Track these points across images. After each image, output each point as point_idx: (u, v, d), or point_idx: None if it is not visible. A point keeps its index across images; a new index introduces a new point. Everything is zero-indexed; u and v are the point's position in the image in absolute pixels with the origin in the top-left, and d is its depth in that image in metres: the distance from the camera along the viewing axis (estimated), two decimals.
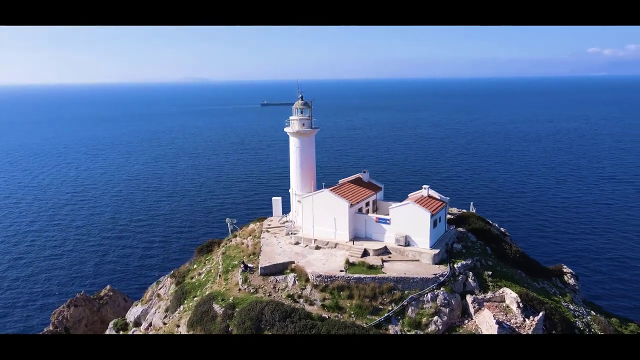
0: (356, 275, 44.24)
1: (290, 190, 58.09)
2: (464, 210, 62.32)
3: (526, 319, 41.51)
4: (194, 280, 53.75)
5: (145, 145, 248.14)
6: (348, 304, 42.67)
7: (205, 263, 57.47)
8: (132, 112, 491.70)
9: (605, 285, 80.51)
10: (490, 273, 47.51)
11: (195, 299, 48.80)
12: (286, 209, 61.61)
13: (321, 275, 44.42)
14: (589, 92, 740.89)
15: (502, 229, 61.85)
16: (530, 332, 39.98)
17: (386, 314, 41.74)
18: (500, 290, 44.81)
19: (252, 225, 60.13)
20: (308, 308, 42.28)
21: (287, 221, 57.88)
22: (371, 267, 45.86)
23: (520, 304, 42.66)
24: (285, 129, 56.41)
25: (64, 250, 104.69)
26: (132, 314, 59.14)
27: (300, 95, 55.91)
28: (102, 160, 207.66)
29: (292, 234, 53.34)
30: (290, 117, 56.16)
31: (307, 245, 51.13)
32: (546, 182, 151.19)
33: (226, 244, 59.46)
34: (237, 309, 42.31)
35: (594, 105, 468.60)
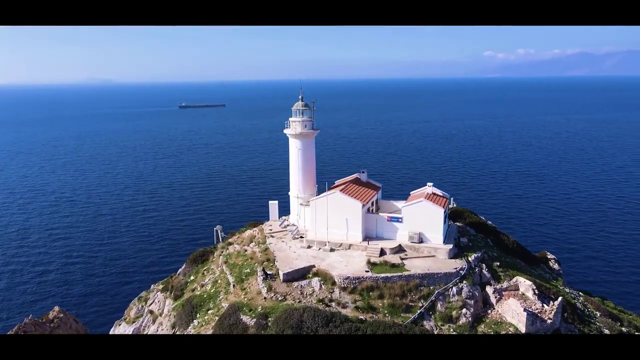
0: (383, 275, 44.49)
1: (290, 193, 56.92)
2: (454, 205, 64.98)
3: (544, 305, 44.33)
4: (198, 292, 50.78)
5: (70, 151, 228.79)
6: (380, 304, 42.81)
7: (204, 274, 54.54)
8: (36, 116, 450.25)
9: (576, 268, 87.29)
10: (498, 264, 50.11)
11: (209, 312, 46.17)
12: (283, 212, 60.31)
13: (349, 277, 44.11)
14: (488, 92, 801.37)
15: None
16: (551, 316, 42.73)
17: (419, 311, 42.46)
18: (514, 279, 47.39)
19: (249, 231, 58.11)
20: (342, 311, 41.81)
21: (288, 225, 56.65)
22: (394, 266, 46.37)
23: (536, 291, 45.47)
24: (285, 131, 55.19)
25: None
26: None
27: (300, 97, 54.99)
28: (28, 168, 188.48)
29: (300, 237, 52.34)
30: (290, 119, 55.06)
31: (320, 248, 50.44)
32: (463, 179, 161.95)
33: (222, 252, 56.99)
34: (270, 319, 40.68)
35: (495, 104, 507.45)
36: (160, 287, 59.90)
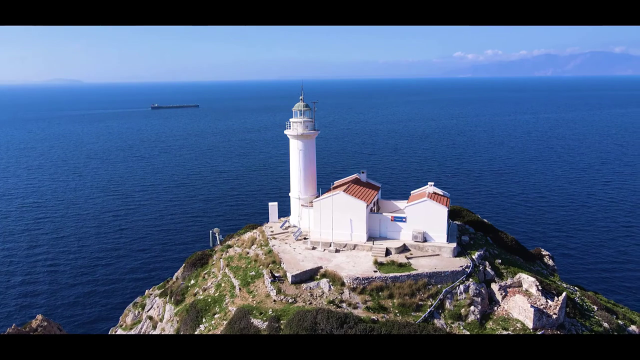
0: (392, 275, 44.68)
1: (290, 194, 56.54)
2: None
3: (548, 300, 45.30)
4: (201, 297, 49.88)
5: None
6: (390, 304, 42.97)
7: (204, 277, 53.65)
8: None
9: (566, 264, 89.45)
10: (499, 261, 51.00)
11: (216, 316, 45.43)
12: (281, 213, 59.86)
13: (358, 277, 44.13)
14: (461, 92, 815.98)
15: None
16: (556, 312, 43.71)
17: (429, 309, 42.80)
18: (517, 276, 48.28)
19: (249, 234, 57.45)
20: (354, 312, 41.77)
21: (289, 226, 56.26)
22: (401, 265, 46.64)
23: (539, 287, 46.45)
24: (286, 132, 54.80)
25: None
26: None
27: (301, 97, 54.69)
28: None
29: (304, 239, 52.07)
30: (291, 120, 54.68)
31: (325, 249, 50.29)
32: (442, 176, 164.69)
33: (221, 255, 56.22)
34: (282, 321, 40.33)
35: (470, 104, 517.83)
36: (158, 292, 58.65)
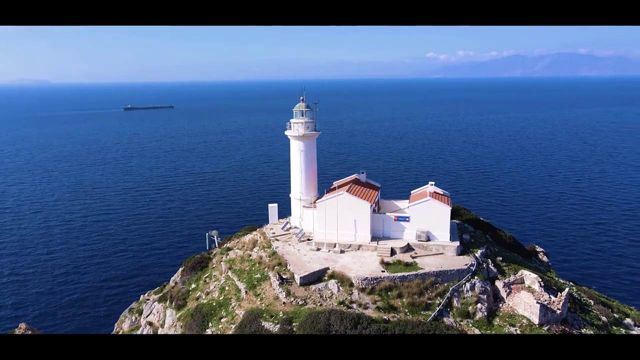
0: (400, 274, 44.87)
1: (291, 195, 56.17)
2: None
3: (551, 296, 46.30)
4: (205, 301, 49.05)
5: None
6: (400, 303, 43.15)
7: (206, 281, 52.78)
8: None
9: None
10: (500, 258, 51.84)
11: (223, 320, 44.75)
12: (280, 214, 59.42)
13: (367, 277, 44.15)
14: (436, 93, 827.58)
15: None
16: (560, 307, 44.70)
17: (437, 308, 43.15)
18: (519, 273, 49.19)
19: (249, 236, 56.83)
20: (365, 312, 41.77)
21: (290, 227, 55.89)
22: (407, 265, 46.88)
23: (542, 283, 47.42)
24: (287, 133, 54.42)
25: None
26: None
27: (301, 97, 54.41)
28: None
29: (307, 240, 51.82)
30: (292, 120, 54.32)
31: (330, 250, 50.14)
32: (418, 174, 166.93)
33: (222, 258, 55.47)
34: (295, 324, 40.00)
35: (441, 105, 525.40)
36: (155, 296, 57.43)
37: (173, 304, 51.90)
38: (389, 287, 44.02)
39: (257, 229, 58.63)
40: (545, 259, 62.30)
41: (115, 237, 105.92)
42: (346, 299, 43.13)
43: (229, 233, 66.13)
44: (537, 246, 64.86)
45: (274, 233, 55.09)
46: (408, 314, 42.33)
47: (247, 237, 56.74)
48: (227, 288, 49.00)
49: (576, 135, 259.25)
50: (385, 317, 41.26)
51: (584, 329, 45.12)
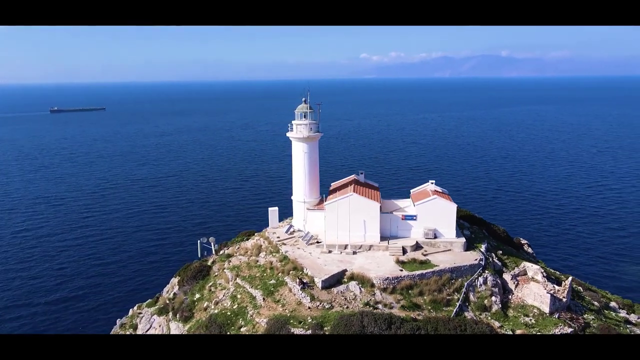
0: (418, 272, 45.51)
1: (293, 198, 55.25)
2: None
3: (555, 286, 48.83)
4: (215, 311, 47.09)
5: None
6: (422, 301, 43.77)
7: (211, 290, 50.69)
8: None
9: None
10: (501, 252, 53.98)
11: (242, 329, 43.18)
12: (283, 217, 58.30)
13: (388, 277, 44.40)
14: (370, 93, 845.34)
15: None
16: (565, 295, 47.26)
17: (457, 304, 44.18)
18: (522, 265, 51.42)
19: (252, 241, 55.24)
20: (392, 312, 41.93)
21: (294, 231, 54.95)
22: (422, 263, 47.61)
23: (544, 274, 49.88)
24: (289, 134, 53.46)
25: None
26: None
27: (303, 99, 53.65)
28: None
29: (316, 242, 51.22)
30: (294, 122, 53.44)
31: (341, 252, 49.85)
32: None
33: (223, 265, 53.59)
34: (326, 328, 39.42)
35: (377, 104, 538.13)
36: (151, 309, 54.38)
37: (177, 316, 49.41)
38: (409, 285, 44.51)
39: (257, 234, 57.13)
40: (530, 250, 65.60)
41: (91, 249, 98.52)
42: (370, 299, 43.11)
43: (219, 239, 63.89)
44: (522, 239, 68.19)
45: (278, 237, 53.93)
46: (432, 311, 42.99)
47: (249, 243, 55.14)
48: (239, 296, 47.34)
49: (503, 132, 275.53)
50: (412, 316, 41.67)
51: (586, 314, 47.97)
